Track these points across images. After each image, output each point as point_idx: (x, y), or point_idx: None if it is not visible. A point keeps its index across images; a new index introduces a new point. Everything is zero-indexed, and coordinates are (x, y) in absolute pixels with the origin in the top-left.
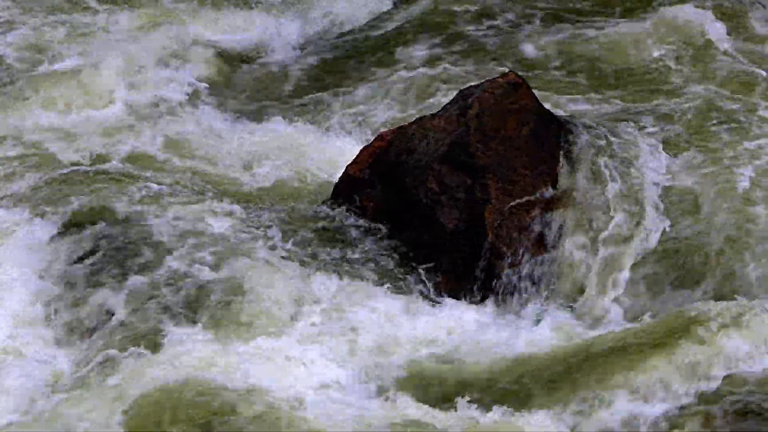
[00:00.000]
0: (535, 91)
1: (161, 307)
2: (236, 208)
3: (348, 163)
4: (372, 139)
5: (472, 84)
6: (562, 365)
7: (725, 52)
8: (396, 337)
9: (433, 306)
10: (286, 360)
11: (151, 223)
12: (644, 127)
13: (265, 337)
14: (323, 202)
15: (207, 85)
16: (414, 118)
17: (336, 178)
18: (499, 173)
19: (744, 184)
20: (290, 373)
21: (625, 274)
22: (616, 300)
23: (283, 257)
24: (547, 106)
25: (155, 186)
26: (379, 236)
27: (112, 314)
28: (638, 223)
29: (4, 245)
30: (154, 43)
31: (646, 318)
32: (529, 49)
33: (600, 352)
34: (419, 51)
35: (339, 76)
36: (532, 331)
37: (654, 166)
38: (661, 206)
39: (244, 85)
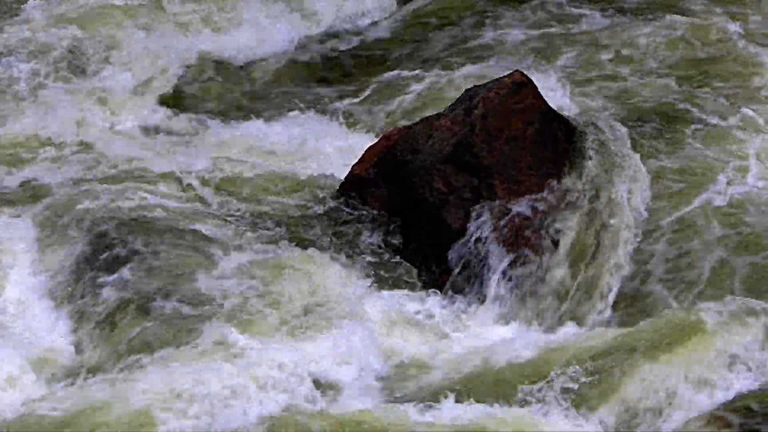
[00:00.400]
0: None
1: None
2: (234, 206)
3: (353, 162)
4: (376, 138)
5: (478, 84)
6: (564, 365)
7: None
8: (399, 337)
9: (437, 305)
10: (277, 358)
11: (136, 220)
12: (647, 127)
13: (258, 334)
14: (327, 201)
15: (197, 86)
16: (418, 118)
17: (334, 178)
18: (504, 173)
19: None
20: (283, 372)
21: (620, 276)
22: (608, 303)
23: (285, 256)
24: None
25: (146, 184)
26: (384, 235)
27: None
28: (636, 224)
29: None
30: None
31: (638, 322)
32: (540, 48)
33: (603, 352)
34: (421, 51)
35: (339, 75)
36: (534, 331)
37: (652, 169)
38: (658, 209)
39: (236, 85)
